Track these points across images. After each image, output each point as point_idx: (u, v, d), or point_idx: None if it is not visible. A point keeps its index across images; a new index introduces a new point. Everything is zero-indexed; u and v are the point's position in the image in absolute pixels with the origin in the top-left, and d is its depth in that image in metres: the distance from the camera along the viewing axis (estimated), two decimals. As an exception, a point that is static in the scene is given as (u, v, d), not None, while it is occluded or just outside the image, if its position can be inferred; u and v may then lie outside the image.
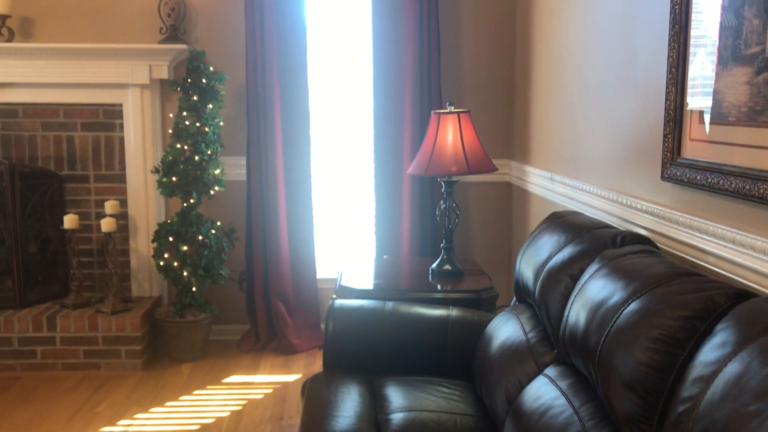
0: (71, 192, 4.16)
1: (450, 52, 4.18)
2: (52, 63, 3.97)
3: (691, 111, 2.10)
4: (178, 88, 3.90)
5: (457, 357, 2.64)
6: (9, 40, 3.98)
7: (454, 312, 2.76)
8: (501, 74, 4.24)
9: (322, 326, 4.32)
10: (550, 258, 2.28)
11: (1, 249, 4.04)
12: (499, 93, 4.25)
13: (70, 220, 3.89)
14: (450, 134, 3.12)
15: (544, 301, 2.18)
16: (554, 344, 2.12)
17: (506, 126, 4.26)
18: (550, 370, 2.02)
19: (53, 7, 4.08)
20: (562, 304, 2.06)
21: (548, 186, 3.49)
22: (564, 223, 2.43)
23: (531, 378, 2.10)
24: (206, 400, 3.56)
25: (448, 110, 3.18)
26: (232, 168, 4.16)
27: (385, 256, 4.13)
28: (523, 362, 2.17)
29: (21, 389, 3.64)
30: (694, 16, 2.07)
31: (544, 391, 1.95)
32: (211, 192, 3.96)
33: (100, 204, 4.11)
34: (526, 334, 2.29)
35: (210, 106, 3.89)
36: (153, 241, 3.95)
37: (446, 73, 4.17)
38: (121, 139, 4.12)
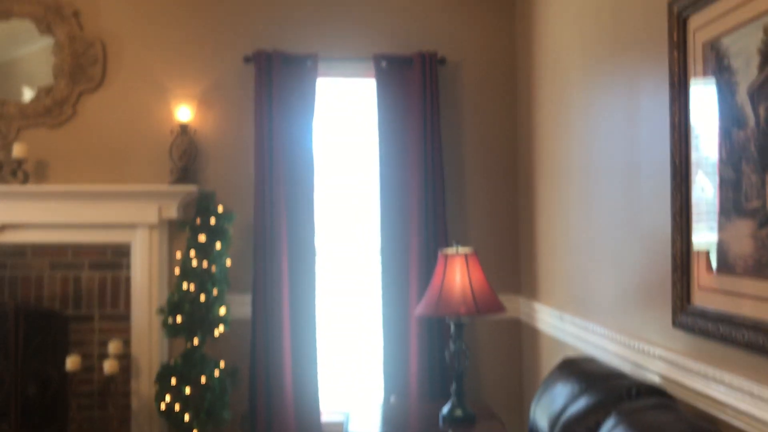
0: (76, 332, 4.11)
1: (454, 187, 4.26)
2: (64, 204, 4.05)
3: (698, 259, 2.10)
4: (187, 228, 3.94)
5: None
6: (24, 183, 4.08)
7: (465, 463, 2.64)
8: (505, 209, 4.30)
9: (327, 471, 4.14)
10: (565, 408, 2.21)
11: (1, 390, 3.95)
12: (504, 227, 4.29)
13: (72, 362, 3.83)
14: (458, 275, 3.12)
15: (561, 457, 2.10)
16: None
17: (513, 260, 4.27)
18: None
19: (68, 152, 4.21)
20: (580, 461, 1.97)
21: (558, 325, 3.44)
22: (577, 371, 2.37)
23: None
24: None
25: (455, 250, 3.19)
26: (237, 306, 4.13)
27: (392, 397, 4.02)
28: None
29: None
30: (694, 169, 2.11)
31: None
32: (216, 332, 3.91)
33: (104, 344, 4.05)
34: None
35: (218, 245, 3.92)
36: (155, 382, 3.86)
37: (451, 208, 4.23)
38: (128, 279, 4.13)
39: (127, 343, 4.06)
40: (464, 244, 4.09)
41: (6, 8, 4.18)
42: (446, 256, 3.19)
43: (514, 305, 4.18)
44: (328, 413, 4.20)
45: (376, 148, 4.19)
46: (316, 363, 4.12)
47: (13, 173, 4.08)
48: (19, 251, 4.12)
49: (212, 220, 3.92)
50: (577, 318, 3.16)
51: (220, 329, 3.91)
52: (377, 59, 4.19)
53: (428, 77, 4.14)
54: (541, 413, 2.39)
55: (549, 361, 3.54)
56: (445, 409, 3.21)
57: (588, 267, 3.06)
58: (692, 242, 2.12)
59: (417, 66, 4.14)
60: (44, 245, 4.13)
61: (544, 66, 3.74)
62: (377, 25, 4.30)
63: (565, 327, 3.34)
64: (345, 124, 4.42)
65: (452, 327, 3.21)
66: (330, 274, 4.37)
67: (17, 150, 4.06)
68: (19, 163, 4.08)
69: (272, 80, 4.11)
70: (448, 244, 4.04)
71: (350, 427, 3.11)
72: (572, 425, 2.09)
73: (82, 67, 4.17)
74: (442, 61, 4.23)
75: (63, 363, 3.91)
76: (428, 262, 4.05)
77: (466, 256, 3.17)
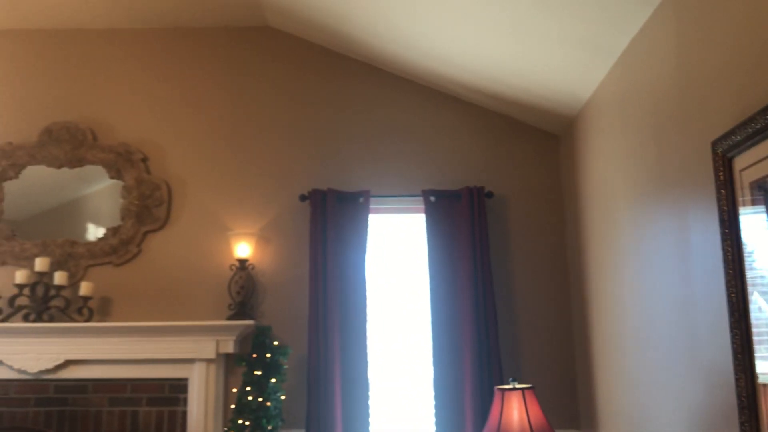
0: (130, 469, 4.12)
1: (506, 319, 4.26)
2: (124, 340, 4.17)
3: (766, 394, 2.06)
4: (243, 363, 4.00)
5: None
6: (87, 320, 4.24)
7: None
8: (560, 341, 4.27)
9: None
10: None
11: None
12: (559, 360, 4.24)
13: (126, 502, 3.81)
14: (515, 411, 3.08)
15: None
16: None
17: (570, 394, 4.19)
18: None
19: (131, 289, 4.39)
20: None
21: (621, 463, 3.33)
22: None
23: None
24: None
25: (511, 386, 3.17)
26: (291, 442, 4.11)
27: None
28: None
29: None
30: (752, 306, 2.12)
31: None
32: (270, 469, 3.88)
33: (158, 482, 4.04)
34: None
35: (273, 380, 3.96)
36: None
37: (504, 340, 4.22)
38: (184, 414, 4.16)
39: (181, 481, 4.04)
40: (518, 376, 4.07)
41: (80, 156, 4.51)
42: (503, 392, 3.17)
43: (573, 440, 4.07)
44: None
45: (427, 280, 4.26)
46: (370, 502, 4.02)
47: (79, 310, 4.25)
48: (81, 387, 4.22)
49: (268, 355, 3.98)
50: (642, 455, 3.06)
51: (274, 467, 3.88)
52: (426, 194, 4.35)
53: (476, 210, 4.27)
54: None
55: (614, 502, 3.40)
56: None
57: (647, 402, 3.00)
58: (757, 379, 2.10)
59: (465, 199, 4.28)
60: (105, 381, 4.22)
61: (591, 200, 3.83)
62: (426, 163, 4.49)
63: (629, 465, 3.23)
64: (396, 257, 4.53)
65: (512, 466, 3.13)
66: (384, 408, 4.34)
67: (84, 288, 4.25)
68: (85, 300, 4.26)
69: (326, 216, 4.29)
70: (502, 379, 4.01)
71: None
72: None
73: (148, 208, 4.43)
74: (489, 194, 4.37)
75: (117, 502, 3.89)
76: (483, 397, 4.00)
77: (523, 391, 3.14)
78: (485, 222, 4.27)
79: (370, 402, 4.15)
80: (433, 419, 4.09)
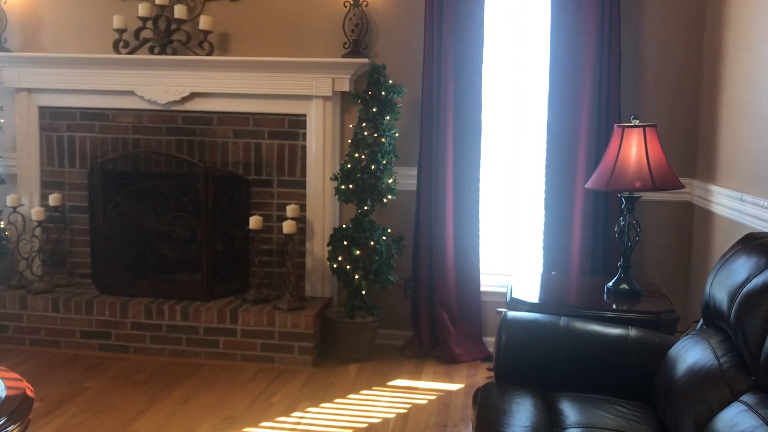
0: (256, 195, 4.46)
1: (630, 63, 4.05)
2: (244, 75, 4.29)
3: None
4: (359, 101, 4.07)
5: (637, 378, 2.56)
6: (209, 54, 4.35)
7: (633, 332, 2.67)
8: (685, 87, 4.06)
9: (484, 339, 4.33)
10: (748, 280, 2.16)
11: (193, 246, 4.42)
12: (682, 107, 4.07)
13: (255, 222, 4.17)
14: (634, 149, 3.04)
15: (741, 325, 2.07)
16: (752, 371, 2.00)
17: (689, 142, 4.07)
18: (748, 398, 1.92)
19: (248, 25, 4.42)
20: (763, 329, 1.95)
21: (737, 207, 3.29)
22: (763, 245, 2.29)
23: (724, 405, 1.99)
24: (372, 400, 3.67)
25: (632, 124, 3.10)
26: (403, 178, 4.28)
27: (553, 272, 4.08)
28: (715, 388, 2.06)
29: (205, 375, 3.94)
30: None
31: (741, 419, 1.85)
32: (384, 200, 4.10)
33: (281, 207, 4.37)
34: (718, 358, 2.17)
35: (387, 117, 4.03)
36: (328, 245, 4.15)
37: (626, 86, 4.05)
38: (303, 148, 4.36)
39: (302, 207, 4.35)
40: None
41: None
42: (623, 129, 3.11)
43: (687, 189, 4.03)
44: (486, 283, 4.34)
45: (549, 20, 4.04)
46: (477, 235, 4.24)
47: (200, 44, 4.36)
48: (207, 118, 4.46)
49: (382, 93, 4.02)
50: (762, 199, 3.01)
51: (388, 197, 4.09)
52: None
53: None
54: (718, 286, 2.34)
55: (723, 244, 3.42)
56: (611, 283, 3.23)
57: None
58: None
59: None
60: (228, 114, 4.43)
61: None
62: None
63: (745, 208, 3.19)
64: (517, 3, 4.28)
65: (623, 201, 3.17)
66: (494, 149, 4.39)
67: (203, 22, 4.31)
68: (205, 34, 4.34)
69: (445, -50, 4.03)
70: (620, 121, 3.91)
71: (514, 294, 3.21)
72: (757, 296, 2.04)
73: (261, -60, 4.29)
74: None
75: (246, 223, 4.28)
76: (598, 140, 3.96)
77: (644, 129, 3.07)
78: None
79: (481, 142, 4.20)
80: (544, 158, 4.11)
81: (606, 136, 3.89)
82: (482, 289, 4.31)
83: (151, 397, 3.63)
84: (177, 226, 4.52)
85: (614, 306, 3.08)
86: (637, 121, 3.11)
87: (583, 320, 2.75)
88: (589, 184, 3.25)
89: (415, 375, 4.01)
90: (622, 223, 3.18)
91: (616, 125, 3.18)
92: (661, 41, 4.06)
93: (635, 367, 2.57)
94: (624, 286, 3.18)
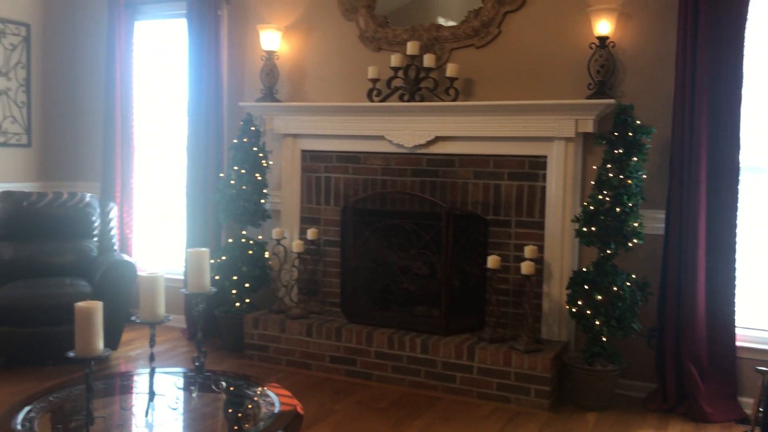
0: (494, 235, 4.54)
1: None
2: (487, 118, 4.43)
3: None
4: (604, 142, 4.01)
5: None
6: (454, 99, 4.56)
7: None
8: None
9: (740, 398, 3.98)
10: None
11: (432, 281, 4.60)
12: None
13: (493, 261, 4.25)
14: None
15: None
16: None
17: None
18: None
19: (491, 70, 4.57)
20: None
21: None
22: None
23: None
24: (614, 452, 3.53)
25: None
26: (648, 221, 4.11)
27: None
28: None
29: (442, 409, 4.06)
30: None
31: None
32: (629, 244, 3.96)
33: (519, 248, 4.40)
34: None
35: (635, 159, 3.92)
36: (567, 288, 4.10)
37: None
38: (543, 189, 4.38)
39: (540, 248, 4.35)
40: None
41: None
42: None
43: None
44: (742, 337, 4.01)
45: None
46: (733, 284, 3.94)
47: (446, 91, 4.58)
48: (449, 161, 4.65)
49: (629, 134, 3.92)
50: None
51: (633, 241, 3.95)
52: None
53: None
54: None
55: None
56: None
57: None
58: None
59: None
60: (469, 156, 4.58)
61: None
62: None
63: None
64: (782, 28, 3.98)
65: None
66: (749, 194, 4.07)
67: (450, 70, 4.53)
68: (451, 81, 4.55)
69: (699, -14, 3.87)
70: None
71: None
72: None
73: (507, -12, 4.44)
74: None
75: (483, 261, 4.37)
76: None
77: None
78: None
79: (739, 186, 3.91)
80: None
81: None
82: (738, 343, 3.98)
83: (393, 424, 3.82)
84: (418, 262, 4.75)
85: None
86: None
87: None
88: None
89: (660, 430, 3.79)
90: None
91: None
92: None
93: None
94: None
